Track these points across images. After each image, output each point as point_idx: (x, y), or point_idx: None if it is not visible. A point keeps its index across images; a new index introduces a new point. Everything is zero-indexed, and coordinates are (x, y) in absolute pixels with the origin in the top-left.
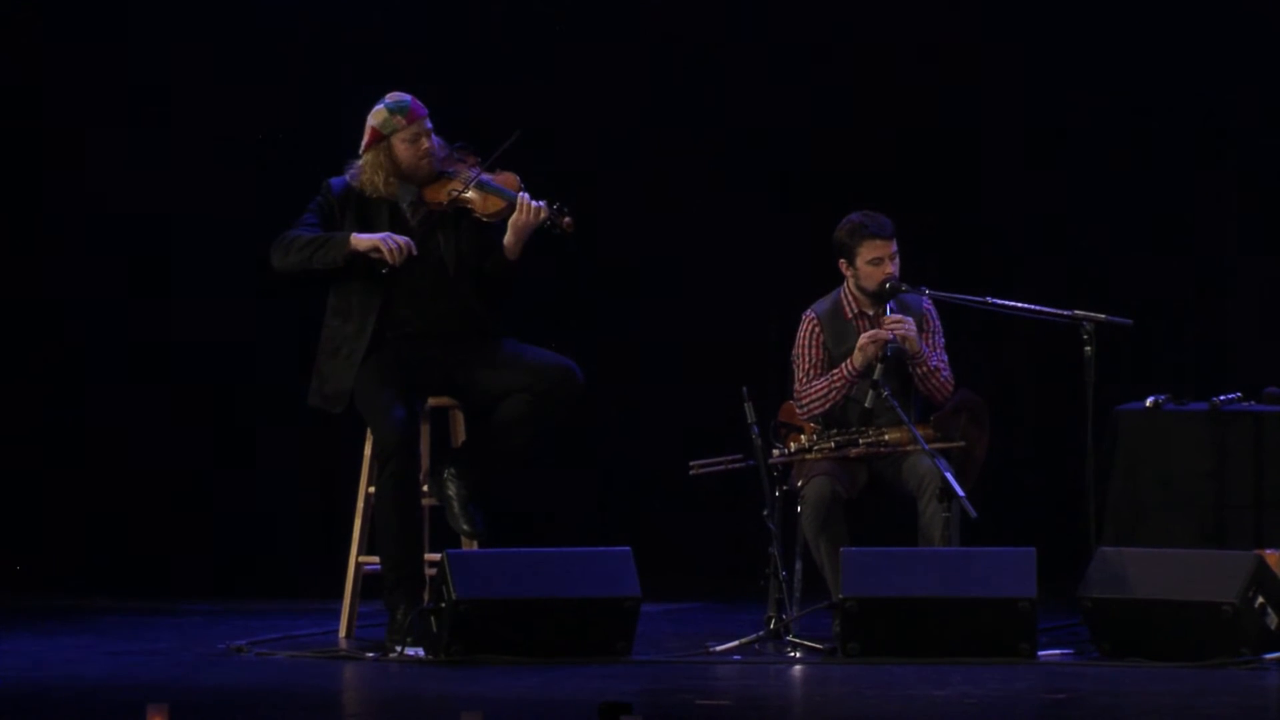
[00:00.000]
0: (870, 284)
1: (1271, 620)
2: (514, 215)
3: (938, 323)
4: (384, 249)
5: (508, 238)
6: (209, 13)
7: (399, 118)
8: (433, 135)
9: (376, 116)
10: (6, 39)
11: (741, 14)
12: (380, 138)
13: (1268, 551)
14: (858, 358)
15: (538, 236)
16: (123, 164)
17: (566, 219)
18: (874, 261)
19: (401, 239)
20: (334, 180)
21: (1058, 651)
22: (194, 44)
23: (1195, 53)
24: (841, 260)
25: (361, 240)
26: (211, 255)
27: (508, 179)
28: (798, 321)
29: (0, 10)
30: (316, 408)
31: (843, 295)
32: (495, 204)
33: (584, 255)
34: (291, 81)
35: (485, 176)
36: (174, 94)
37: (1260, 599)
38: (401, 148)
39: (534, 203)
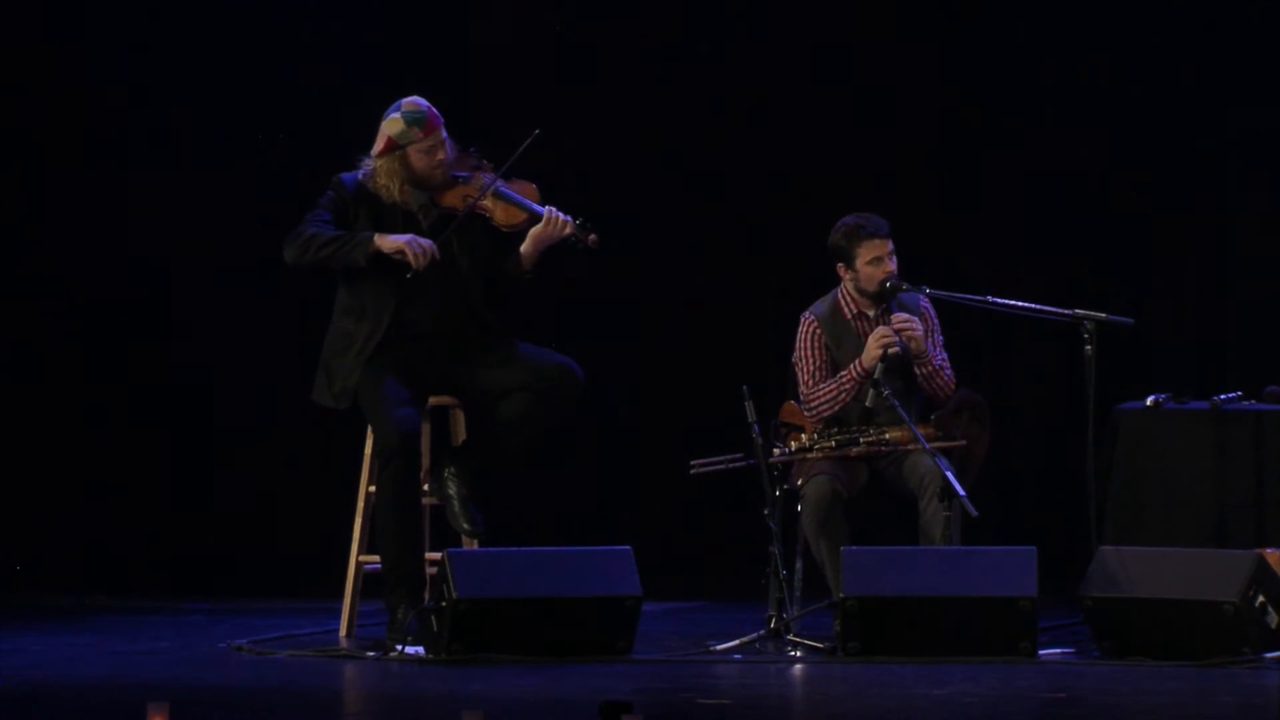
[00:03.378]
0: (870, 285)
1: (1272, 619)
2: (539, 227)
3: (936, 321)
4: (409, 253)
5: (526, 247)
6: (209, 12)
7: (416, 129)
8: (447, 142)
9: (393, 125)
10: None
11: (742, 13)
12: (395, 146)
13: (1268, 550)
14: (866, 358)
15: (560, 250)
16: (122, 165)
17: (592, 235)
18: (873, 262)
19: (426, 243)
20: (345, 176)
21: (1058, 651)
22: (196, 43)
23: (1196, 51)
24: (839, 264)
25: (387, 242)
26: (211, 255)
27: (528, 189)
28: (797, 322)
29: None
30: (323, 405)
31: (840, 297)
32: (516, 215)
33: (593, 250)
34: (291, 81)
35: (503, 186)
36: (174, 93)
37: (1261, 598)
38: (417, 158)
39: (562, 216)
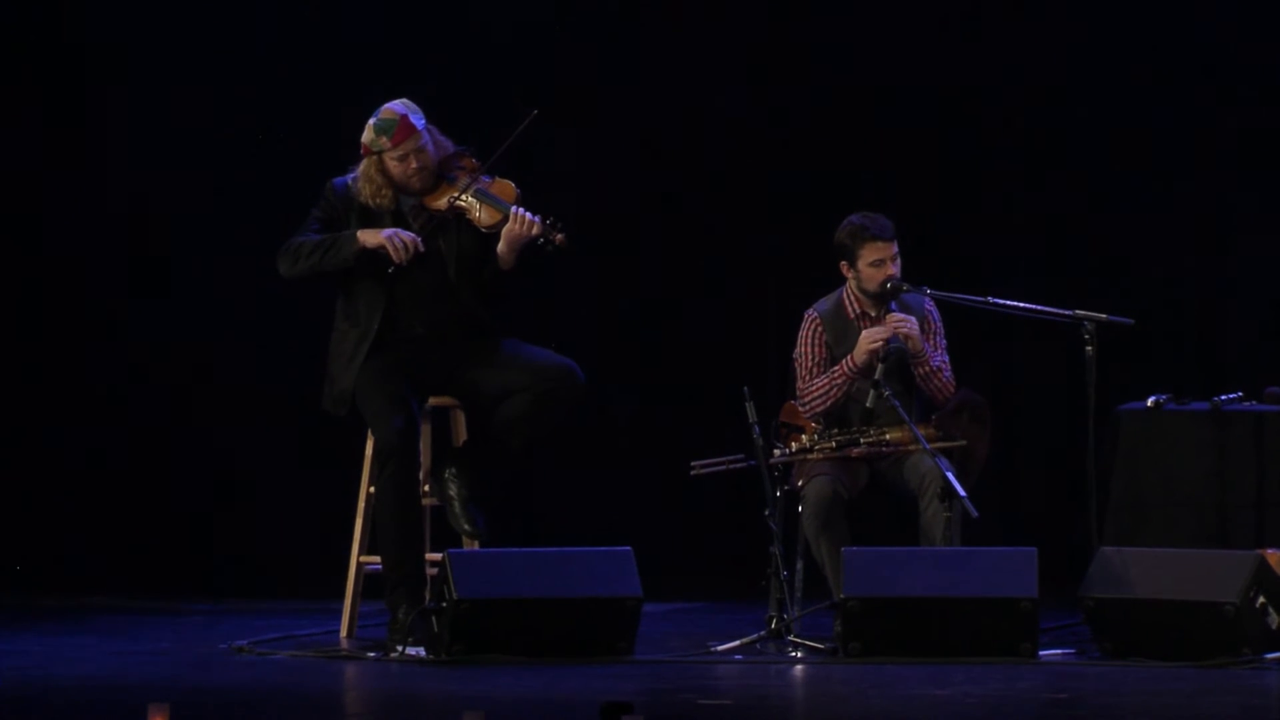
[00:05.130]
0: (872, 285)
1: (1273, 620)
2: (507, 226)
3: (940, 323)
4: (389, 247)
5: (501, 247)
6: (211, 12)
7: (384, 139)
8: (429, 147)
9: (366, 133)
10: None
11: (740, 13)
12: (370, 152)
13: (1269, 551)
14: (859, 354)
15: (532, 250)
16: (125, 164)
17: (559, 235)
18: (875, 263)
19: (408, 236)
20: (337, 181)
21: (1059, 651)
22: (195, 43)
23: (1197, 50)
24: (843, 262)
25: (369, 237)
26: (212, 254)
27: (504, 189)
28: (799, 321)
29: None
30: (327, 411)
31: (844, 296)
32: (492, 215)
33: (585, 254)
34: (292, 80)
35: (483, 185)
36: (174, 94)
37: (1261, 599)
38: (391, 165)
39: (528, 216)
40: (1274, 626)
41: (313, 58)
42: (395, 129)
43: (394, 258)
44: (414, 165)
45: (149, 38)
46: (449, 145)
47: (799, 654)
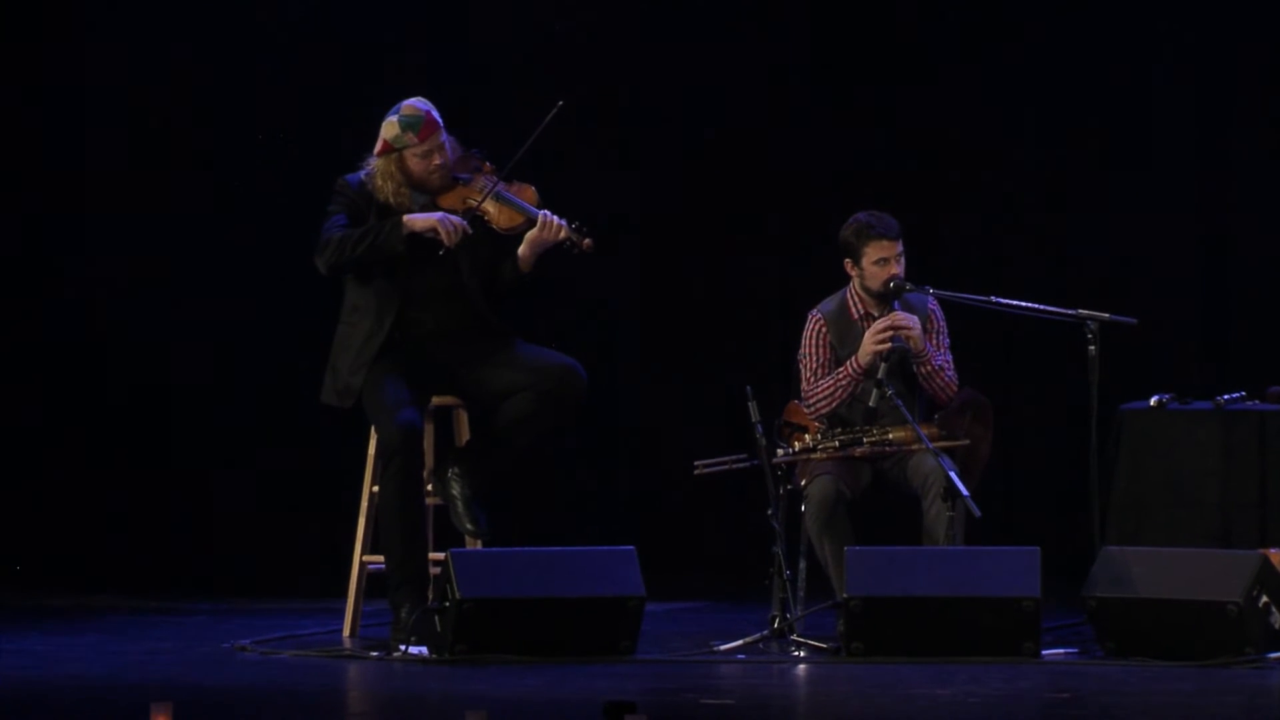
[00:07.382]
0: (875, 284)
1: (1276, 620)
2: (534, 231)
3: (943, 323)
4: (441, 230)
5: (523, 250)
6: (209, 11)
7: (410, 134)
8: (446, 145)
9: (389, 129)
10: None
11: (741, 14)
12: (391, 150)
13: (1272, 551)
14: (863, 355)
15: (555, 253)
16: (125, 165)
17: (586, 240)
18: (880, 262)
19: (457, 219)
20: (350, 177)
21: (1062, 651)
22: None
23: (1197, 49)
24: (847, 260)
25: (417, 221)
26: (211, 254)
27: (526, 192)
28: (802, 320)
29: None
30: (329, 404)
31: (849, 295)
32: (514, 218)
33: (587, 253)
34: (292, 81)
35: (503, 188)
36: (174, 95)
37: (1265, 598)
38: (413, 162)
39: (556, 220)
40: (1277, 626)
41: (312, 57)
42: (421, 125)
43: (445, 241)
44: (436, 161)
45: (146, 35)
46: (458, 146)
47: (802, 654)
